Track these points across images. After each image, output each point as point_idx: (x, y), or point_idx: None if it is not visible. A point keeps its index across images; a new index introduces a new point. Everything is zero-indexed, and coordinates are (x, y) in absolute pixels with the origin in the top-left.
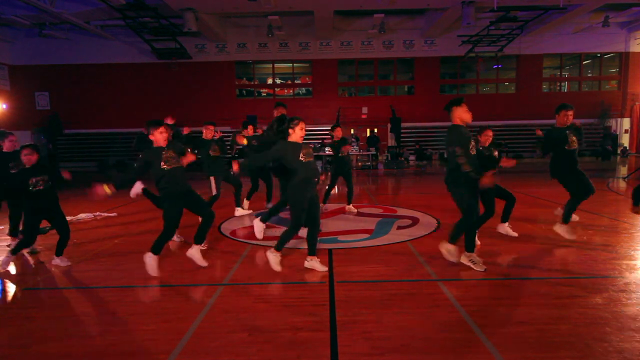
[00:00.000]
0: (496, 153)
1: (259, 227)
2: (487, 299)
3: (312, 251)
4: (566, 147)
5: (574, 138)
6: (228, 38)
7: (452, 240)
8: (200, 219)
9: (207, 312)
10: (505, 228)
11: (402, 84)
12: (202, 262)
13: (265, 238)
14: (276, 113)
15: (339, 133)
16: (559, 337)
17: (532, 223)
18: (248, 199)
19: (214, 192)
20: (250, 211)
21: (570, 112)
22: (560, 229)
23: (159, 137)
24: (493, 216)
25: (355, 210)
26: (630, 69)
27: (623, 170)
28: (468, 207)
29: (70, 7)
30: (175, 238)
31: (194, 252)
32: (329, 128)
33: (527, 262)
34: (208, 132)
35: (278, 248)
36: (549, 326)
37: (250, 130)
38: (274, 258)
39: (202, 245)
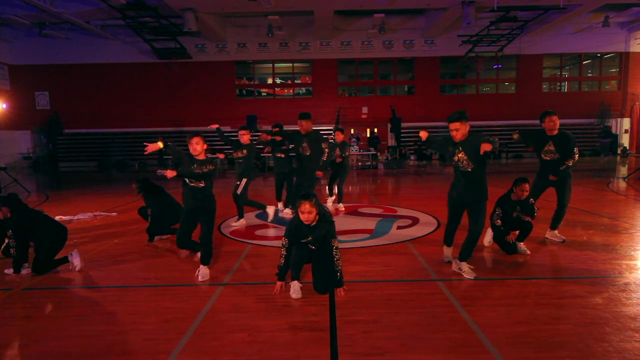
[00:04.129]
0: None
1: None
2: (487, 299)
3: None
4: (542, 156)
5: (552, 149)
6: (228, 38)
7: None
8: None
9: (207, 312)
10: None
11: (402, 84)
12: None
13: (264, 238)
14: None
15: (340, 137)
16: (559, 337)
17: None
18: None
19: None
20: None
21: (555, 117)
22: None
23: (195, 147)
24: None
25: (343, 210)
26: (630, 69)
27: (623, 170)
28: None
29: (70, 7)
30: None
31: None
32: (331, 129)
33: (527, 262)
34: (244, 137)
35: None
36: (549, 326)
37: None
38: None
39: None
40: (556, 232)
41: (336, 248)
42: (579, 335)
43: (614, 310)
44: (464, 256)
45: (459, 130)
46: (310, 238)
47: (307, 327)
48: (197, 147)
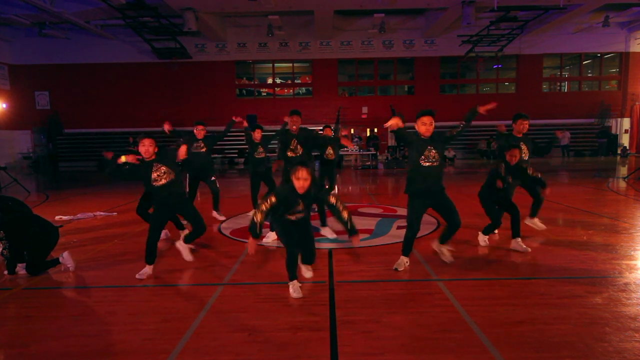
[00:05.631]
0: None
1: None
2: (487, 299)
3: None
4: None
5: (525, 149)
6: (228, 38)
7: (403, 252)
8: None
9: (207, 312)
10: (519, 243)
11: (402, 83)
12: (188, 258)
13: (264, 237)
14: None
15: (328, 133)
16: (559, 337)
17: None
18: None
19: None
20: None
21: (527, 122)
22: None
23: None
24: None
25: None
26: (630, 69)
27: (623, 170)
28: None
29: (70, 7)
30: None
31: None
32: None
33: (527, 262)
34: (198, 132)
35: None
36: (549, 326)
37: (258, 134)
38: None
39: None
40: (537, 220)
41: (336, 202)
42: (579, 335)
43: (614, 310)
44: (445, 239)
45: (432, 124)
46: (300, 207)
47: (307, 327)
48: (150, 149)
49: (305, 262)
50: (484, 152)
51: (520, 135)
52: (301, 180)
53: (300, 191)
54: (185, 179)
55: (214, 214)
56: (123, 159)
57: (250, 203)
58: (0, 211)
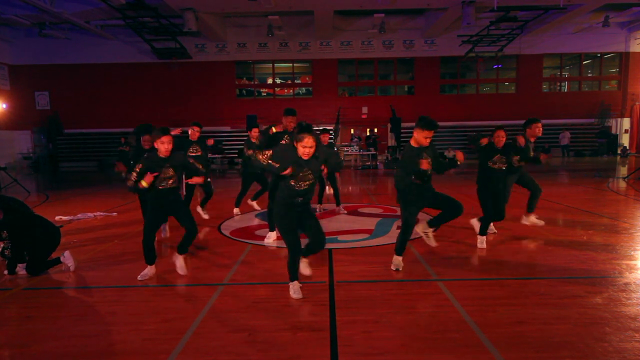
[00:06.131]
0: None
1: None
2: (487, 299)
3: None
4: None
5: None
6: (228, 38)
7: (398, 252)
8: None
9: (207, 312)
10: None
11: (402, 84)
12: (182, 271)
13: (264, 238)
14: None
15: (325, 139)
16: (559, 337)
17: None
18: (253, 199)
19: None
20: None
21: (541, 125)
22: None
23: (160, 147)
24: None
25: (345, 211)
26: (630, 69)
27: (623, 170)
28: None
29: (70, 7)
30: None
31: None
32: (331, 129)
33: (527, 262)
34: (194, 133)
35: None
36: (549, 326)
37: (255, 133)
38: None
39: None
40: (533, 216)
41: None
42: (579, 335)
43: (614, 310)
44: (439, 223)
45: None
46: (308, 174)
47: (307, 327)
48: (169, 146)
49: (317, 248)
50: None
51: (533, 140)
52: (307, 148)
53: (305, 157)
54: (182, 182)
55: (199, 209)
56: (144, 184)
57: (247, 203)
58: (2, 211)
